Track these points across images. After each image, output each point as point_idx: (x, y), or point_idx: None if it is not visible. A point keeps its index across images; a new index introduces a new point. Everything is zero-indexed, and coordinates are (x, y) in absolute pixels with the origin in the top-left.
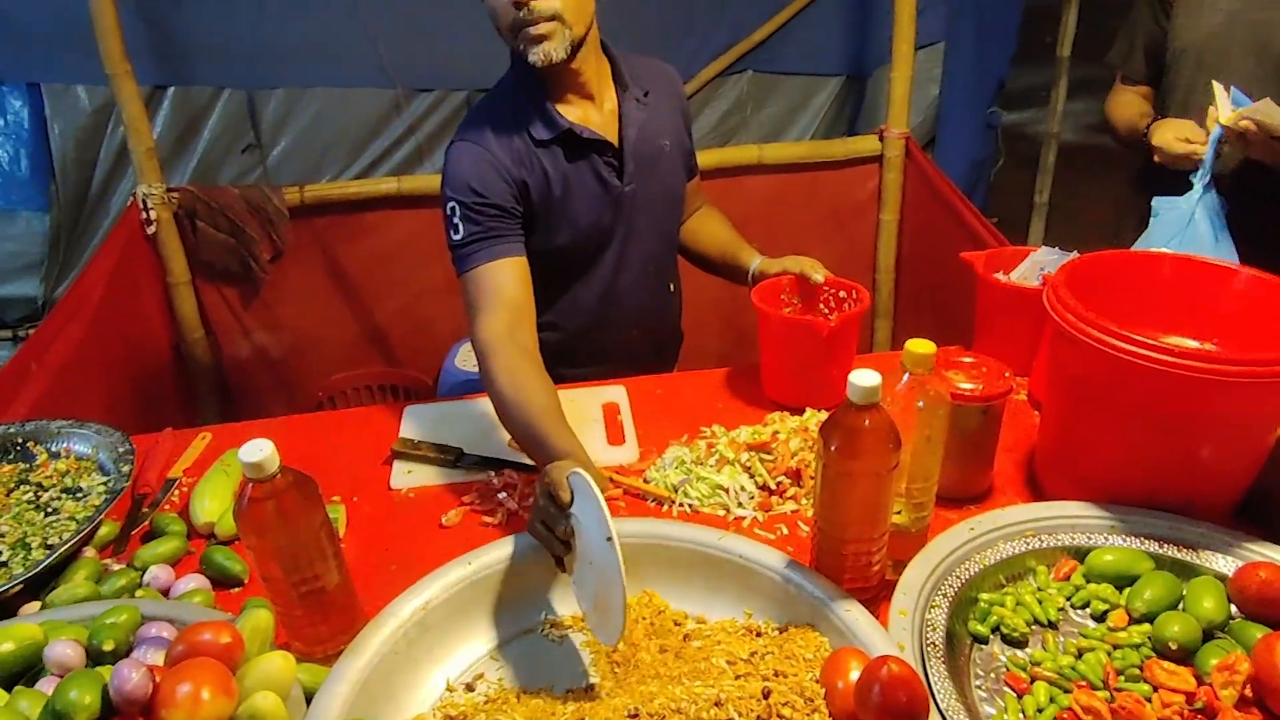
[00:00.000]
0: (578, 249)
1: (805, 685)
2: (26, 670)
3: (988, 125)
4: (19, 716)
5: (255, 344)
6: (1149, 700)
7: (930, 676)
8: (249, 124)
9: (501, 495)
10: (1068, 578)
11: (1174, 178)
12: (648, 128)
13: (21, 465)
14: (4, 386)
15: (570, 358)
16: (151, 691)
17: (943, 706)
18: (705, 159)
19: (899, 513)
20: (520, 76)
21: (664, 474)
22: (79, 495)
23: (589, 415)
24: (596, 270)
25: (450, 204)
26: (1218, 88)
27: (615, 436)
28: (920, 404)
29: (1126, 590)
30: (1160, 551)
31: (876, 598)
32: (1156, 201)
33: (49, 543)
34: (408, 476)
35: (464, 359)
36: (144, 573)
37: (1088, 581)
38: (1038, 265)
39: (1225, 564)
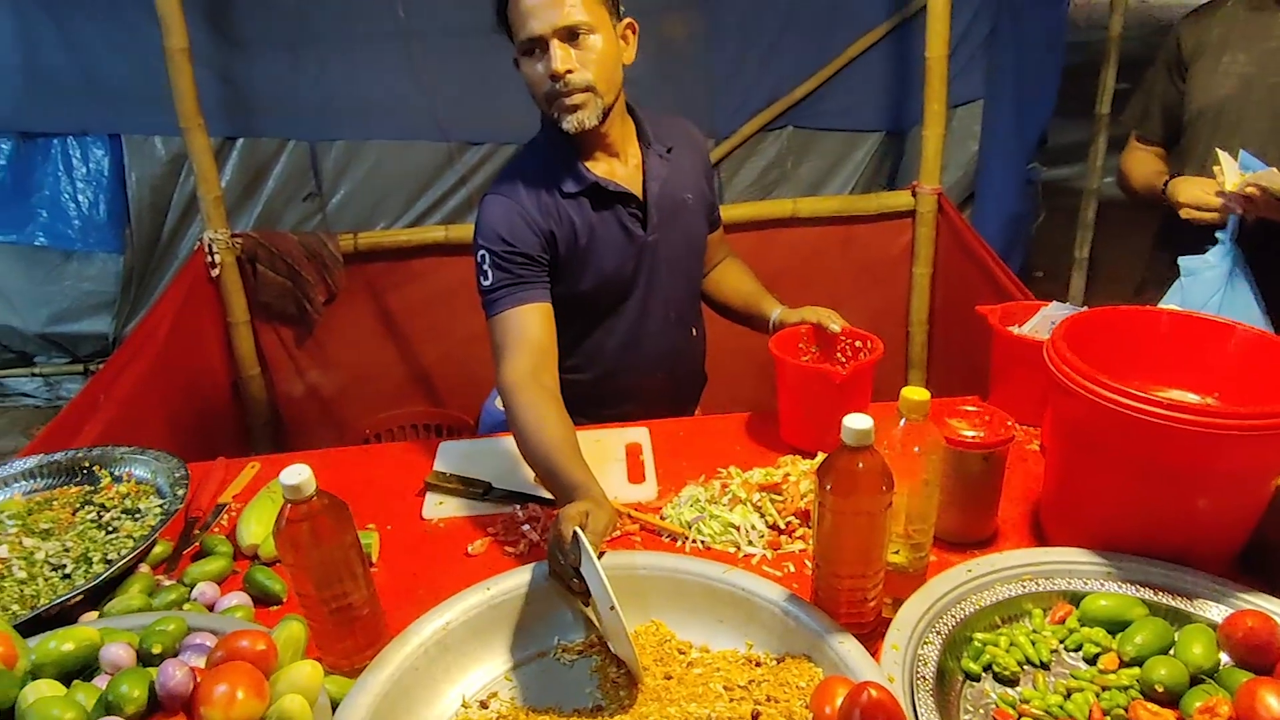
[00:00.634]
0: (603, 295)
1: (795, 711)
2: (84, 669)
3: (1028, 181)
4: (76, 707)
5: (307, 382)
6: None
7: (918, 709)
8: (311, 174)
9: (525, 527)
10: (1062, 621)
11: (1194, 235)
12: (670, 181)
13: (87, 487)
14: (75, 415)
15: (596, 399)
16: (192, 689)
17: None
18: (741, 212)
19: (897, 552)
20: (551, 136)
21: (679, 511)
22: (137, 516)
23: (612, 454)
24: (621, 315)
25: (481, 252)
26: (1223, 155)
27: (636, 475)
28: (916, 449)
29: (1119, 635)
30: (1155, 599)
31: (873, 634)
32: (1184, 261)
33: (108, 558)
34: (439, 508)
35: None
36: (192, 588)
37: (1082, 625)
38: (1048, 319)
39: (1218, 613)
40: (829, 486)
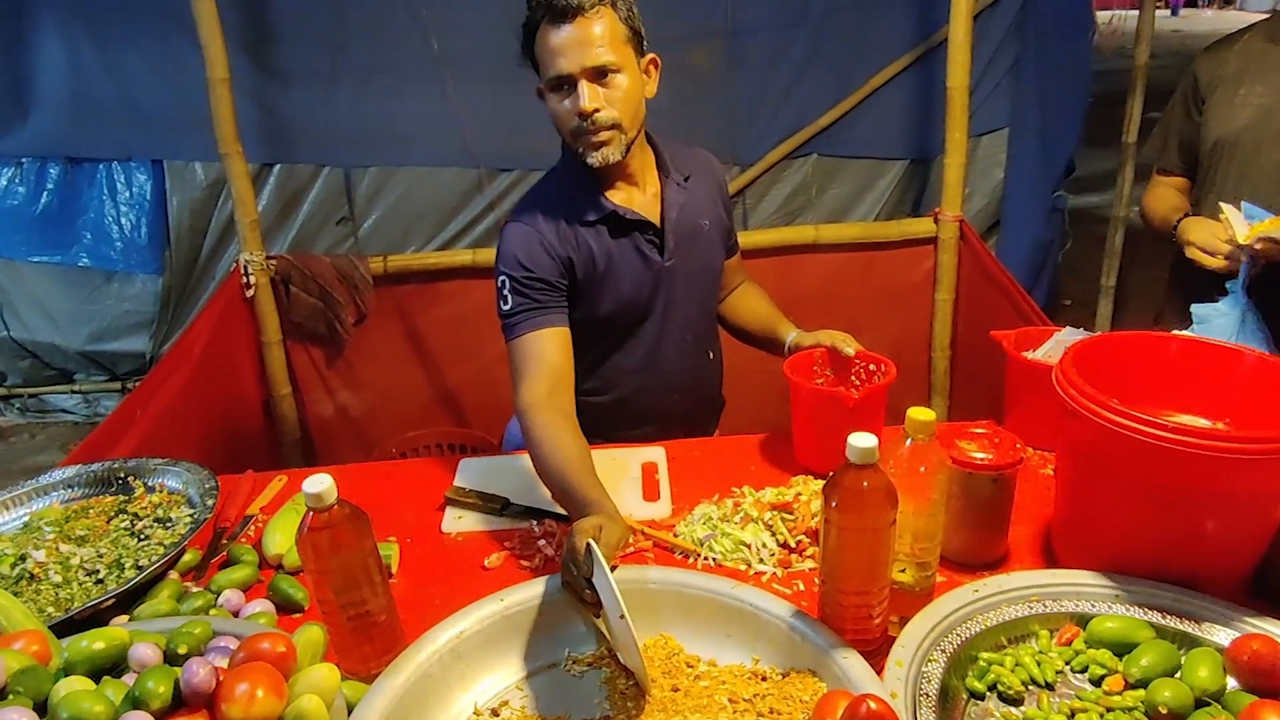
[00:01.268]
0: (622, 318)
1: None
2: (114, 667)
3: (1054, 209)
4: (105, 701)
5: (337, 401)
6: None
7: None
8: (344, 199)
9: (541, 542)
10: (1069, 643)
11: (1206, 277)
12: (688, 209)
13: (122, 497)
14: (112, 429)
15: (614, 420)
16: (215, 687)
17: None
18: (764, 238)
19: (903, 571)
20: (571, 165)
21: (692, 529)
22: (168, 525)
23: (628, 473)
24: (639, 339)
25: (501, 277)
26: (1226, 208)
27: (651, 493)
28: (922, 468)
29: (1125, 657)
30: (1163, 622)
31: (879, 652)
32: (1196, 309)
33: (139, 564)
34: (458, 522)
35: None
36: (219, 595)
37: (1088, 647)
38: (1061, 344)
39: (1226, 636)
40: (834, 503)
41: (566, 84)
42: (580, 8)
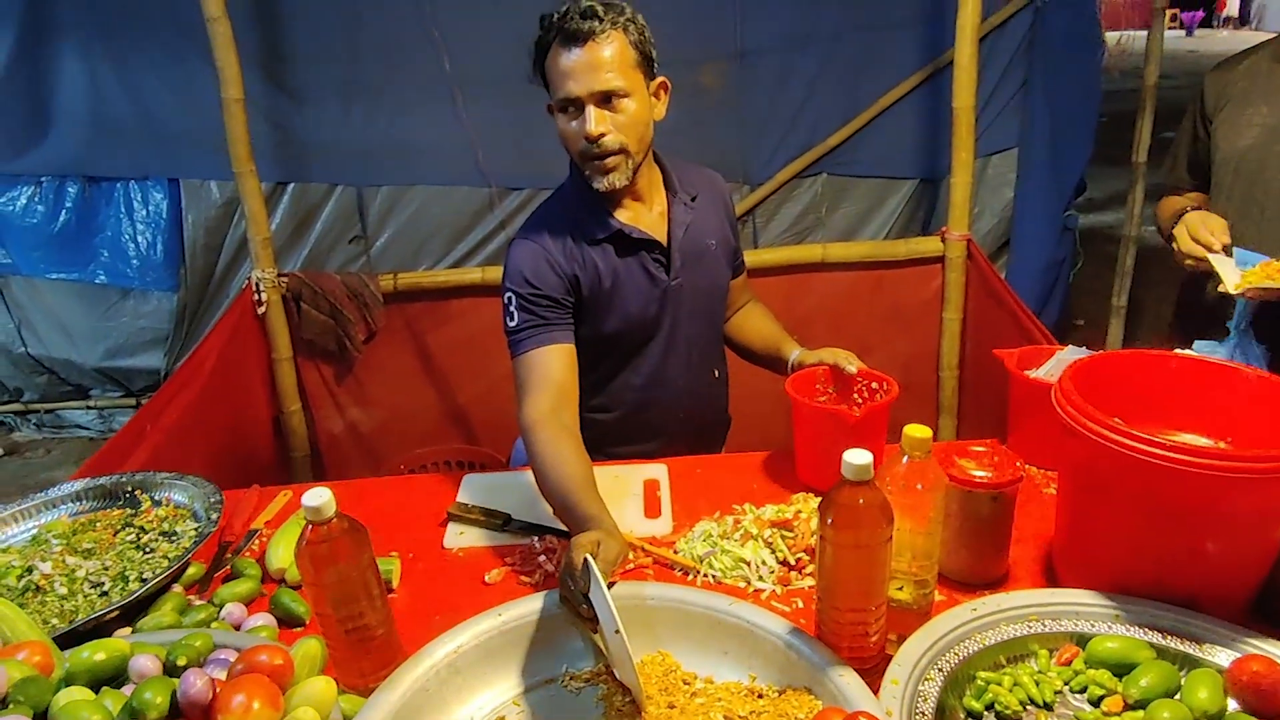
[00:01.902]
0: (628, 336)
1: None
2: (114, 678)
3: (1064, 228)
4: (103, 711)
5: (346, 418)
6: None
7: None
8: (357, 217)
9: (541, 558)
10: (1069, 663)
11: (1207, 316)
12: (694, 228)
13: (128, 510)
14: (123, 443)
15: (620, 437)
16: (211, 698)
17: None
18: (772, 257)
19: (901, 589)
20: (579, 183)
21: (691, 545)
22: (173, 538)
23: (629, 490)
24: (645, 356)
25: (508, 294)
26: (1214, 259)
27: (652, 510)
28: (919, 486)
29: (1125, 678)
30: (1164, 643)
31: (875, 670)
32: (1198, 347)
33: (144, 577)
34: (459, 538)
35: None
36: (221, 608)
37: (1088, 667)
38: (1063, 363)
39: (1227, 658)
40: (830, 520)
41: (574, 106)
42: (592, 33)
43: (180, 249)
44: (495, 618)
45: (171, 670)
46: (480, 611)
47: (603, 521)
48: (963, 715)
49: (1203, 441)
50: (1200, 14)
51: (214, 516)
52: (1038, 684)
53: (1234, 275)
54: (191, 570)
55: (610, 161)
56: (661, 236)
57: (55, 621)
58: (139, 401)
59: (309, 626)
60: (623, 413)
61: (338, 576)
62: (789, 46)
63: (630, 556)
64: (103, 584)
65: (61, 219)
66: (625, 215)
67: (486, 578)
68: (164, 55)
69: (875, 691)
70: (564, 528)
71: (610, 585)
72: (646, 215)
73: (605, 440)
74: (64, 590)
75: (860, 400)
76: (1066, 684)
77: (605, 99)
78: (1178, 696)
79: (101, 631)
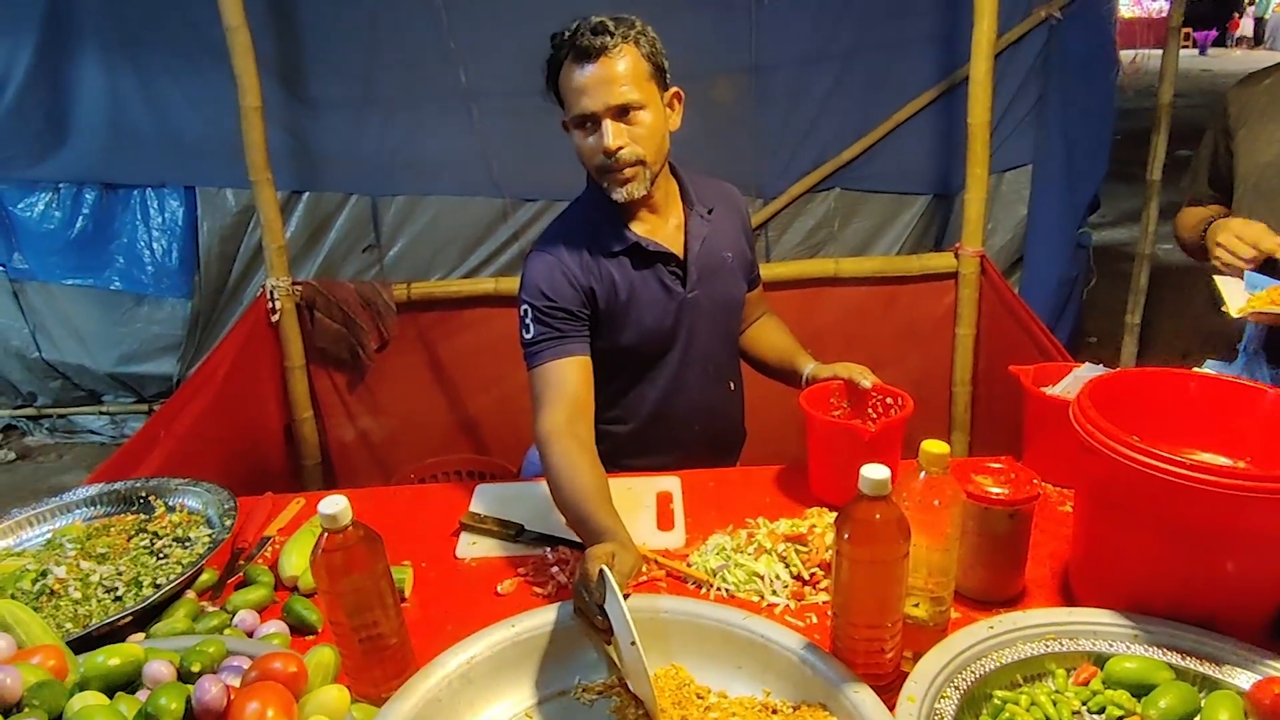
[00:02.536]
0: (643, 349)
1: None
2: (128, 683)
3: (1078, 245)
4: (119, 716)
5: (358, 426)
6: None
7: None
8: (371, 226)
9: (554, 569)
10: (1086, 683)
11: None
12: (711, 241)
13: (142, 516)
14: (137, 449)
15: (634, 449)
16: (226, 705)
17: None
18: (784, 271)
19: (917, 605)
20: (595, 196)
21: (705, 559)
22: (187, 544)
23: (642, 502)
24: (661, 369)
25: (524, 306)
26: (1220, 281)
27: (665, 522)
28: (936, 502)
29: (1144, 699)
30: (1183, 664)
31: (891, 687)
32: (1209, 365)
33: (157, 583)
34: (472, 547)
35: None
36: (234, 615)
37: (1106, 687)
38: (1079, 380)
39: (1247, 680)
40: (846, 535)
41: (590, 122)
42: (604, 48)
43: (195, 256)
44: (509, 628)
45: (185, 676)
46: (492, 622)
47: (618, 534)
48: None
49: (1222, 461)
50: (1214, 33)
51: (228, 523)
52: (1055, 704)
53: (1238, 298)
54: (205, 576)
55: (628, 173)
56: (678, 249)
57: (69, 626)
58: (151, 408)
59: (321, 635)
60: (638, 425)
61: (352, 585)
62: (804, 61)
63: (643, 569)
64: (116, 589)
65: (78, 225)
66: (642, 228)
67: (499, 588)
68: (182, 64)
69: (890, 708)
70: (577, 539)
71: (625, 597)
72: (663, 228)
73: (621, 452)
74: (78, 595)
75: (875, 415)
76: (1084, 704)
77: (621, 112)
78: (1197, 718)
79: (115, 637)
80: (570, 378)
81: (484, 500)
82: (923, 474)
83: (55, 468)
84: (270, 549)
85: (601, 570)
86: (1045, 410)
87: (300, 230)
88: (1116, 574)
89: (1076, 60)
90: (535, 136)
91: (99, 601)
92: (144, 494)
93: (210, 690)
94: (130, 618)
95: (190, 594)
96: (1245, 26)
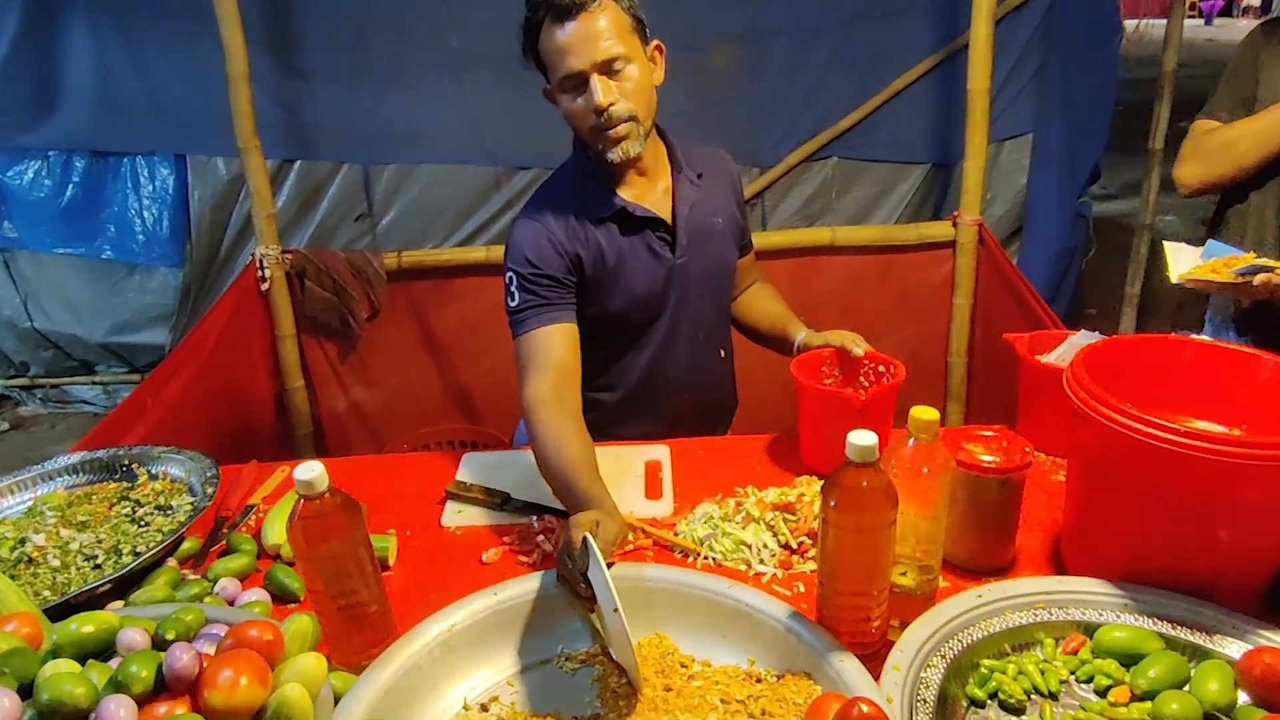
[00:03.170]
0: (632, 316)
1: None
2: (103, 651)
3: (1078, 215)
4: (88, 683)
5: (350, 396)
6: None
7: None
8: (363, 195)
9: (539, 538)
10: (1075, 652)
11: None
12: (700, 206)
13: (125, 484)
14: (124, 417)
15: (624, 417)
16: (198, 673)
17: None
18: (780, 239)
19: (904, 574)
20: (581, 161)
21: (692, 528)
22: (169, 512)
23: (631, 470)
24: (650, 336)
25: (509, 274)
26: (1169, 246)
27: (654, 491)
28: (925, 469)
29: (1133, 668)
30: (1174, 634)
31: (877, 656)
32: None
33: (137, 551)
34: (458, 516)
35: None
36: (215, 583)
37: (1095, 657)
38: (1074, 347)
39: (1238, 649)
40: (833, 503)
41: (578, 82)
42: (583, 4)
43: (186, 225)
44: (491, 596)
45: (160, 644)
46: (476, 590)
47: (602, 502)
48: (965, 703)
49: (1216, 428)
50: (1220, 3)
51: (210, 491)
52: (1043, 673)
53: (1184, 264)
54: (187, 545)
55: (622, 129)
56: (666, 214)
57: (47, 594)
58: (143, 378)
59: (304, 603)
60: (627, 393)
61: (330, 552)
62: (802, 28)
63: (630, 538)
64: (96, 557)
65: (68, 194)
66: (629, 193)
67: (484, 556)
68: (174, 32)
69: (876, 678)
70: (563, 508)
71: (609, 565)
72: (651, 192)
73: (610, 421)
74: (57, 563)
75: (866, 383)
76: (1072, 673)
77: (608, 68)
78: (1187, 688)
79: (94, 605)
80: (556, 345)
81: (470, 469)
82: (912, 441)
83: (48, 437)
84: (254, 517)
85: (585, 538)
86: (1039, 378)
87: (292, 199)
88: (1109, 543)
89: (1079, 28)
90: (527, 104)
91: (78, 570)
92: (127, 462)
93: (181, 658)
94: (109, 585)
95: (172, 562)
96: None
